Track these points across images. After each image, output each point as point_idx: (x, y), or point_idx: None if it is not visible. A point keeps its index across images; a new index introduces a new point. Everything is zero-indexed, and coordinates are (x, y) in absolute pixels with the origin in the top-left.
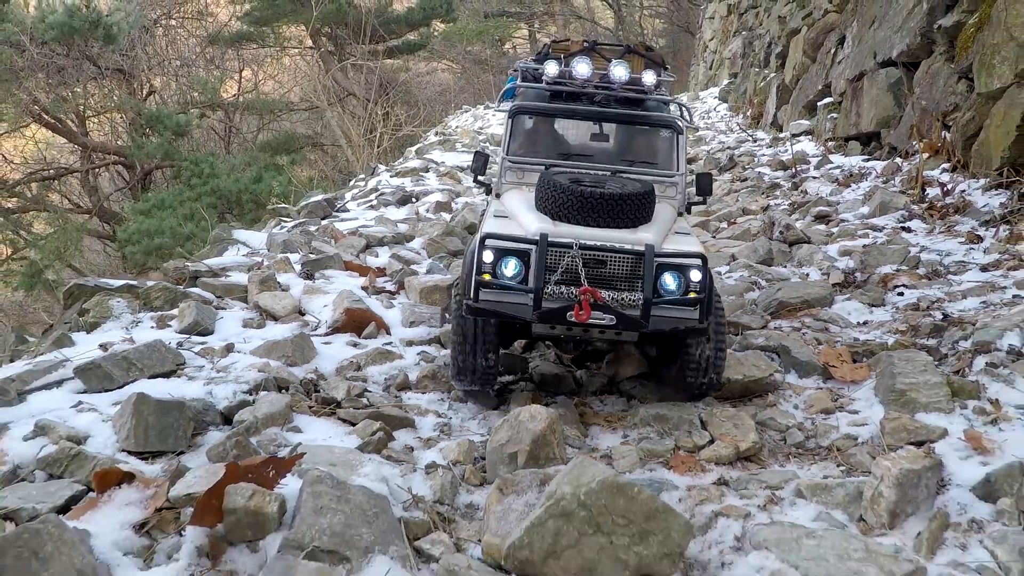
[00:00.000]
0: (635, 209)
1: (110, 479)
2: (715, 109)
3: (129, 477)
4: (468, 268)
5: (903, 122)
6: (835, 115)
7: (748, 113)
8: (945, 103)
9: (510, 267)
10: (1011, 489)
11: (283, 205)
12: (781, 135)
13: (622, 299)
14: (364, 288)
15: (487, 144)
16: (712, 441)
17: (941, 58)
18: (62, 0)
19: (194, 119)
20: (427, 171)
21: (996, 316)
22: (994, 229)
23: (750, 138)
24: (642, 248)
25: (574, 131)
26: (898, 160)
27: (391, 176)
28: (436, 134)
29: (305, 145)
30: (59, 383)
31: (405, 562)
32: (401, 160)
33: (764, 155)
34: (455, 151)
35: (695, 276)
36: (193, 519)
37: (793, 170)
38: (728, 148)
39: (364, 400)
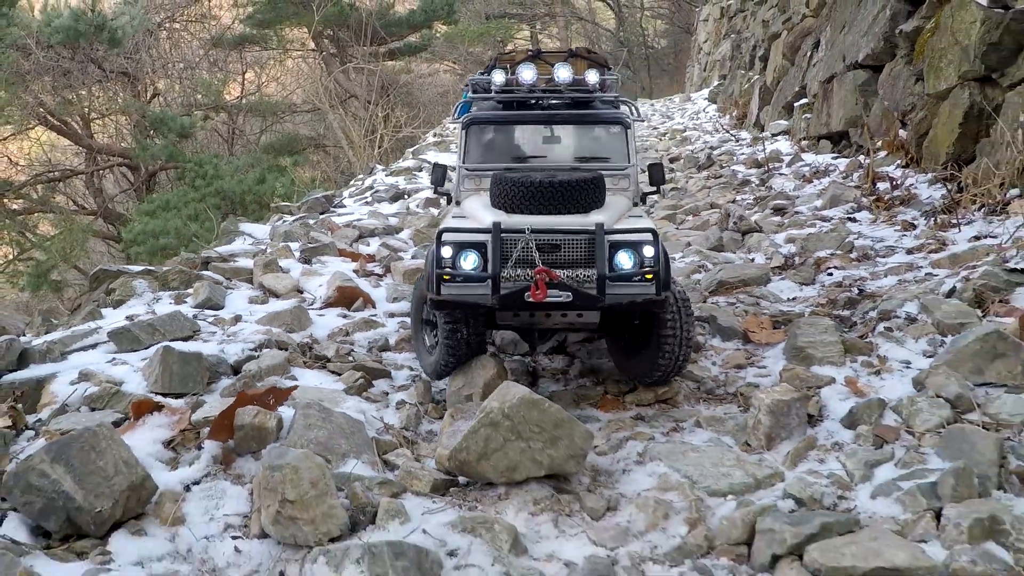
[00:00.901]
0: (585, 195)
1: (144, 408)
2: (704, 110)
3: (159, 407)
4: (429, 265)
5: (870, 122)
6: (809, 115)
7: (734, 114)
8: (904, 103)
9: (469, 260)
10: (869, 419)
11: (285, 203)
12: (762, 135)
13: (578, 276)
14: (355, 271)
15: None
16: (635, 388)
17: (902, 61)
18: (68, 4)
19: (198, 121)
20: (420, 170)
21: (904, 290)
22: (931, 218)
23: (733, 138)
24: (592, 227)
25: (527, 136)
26: (860, 157)
27: (386, 175)
28: (435, 135)
29: (307, 147)
30: (94, 346)
31: (374, 466)
32: (400, 160)
33: (743, 154)
34: (449, 151)
35: (648, 251)
36: (210, 435)
37: (766, 168)
38: (710, 147)
39: (350, 358)
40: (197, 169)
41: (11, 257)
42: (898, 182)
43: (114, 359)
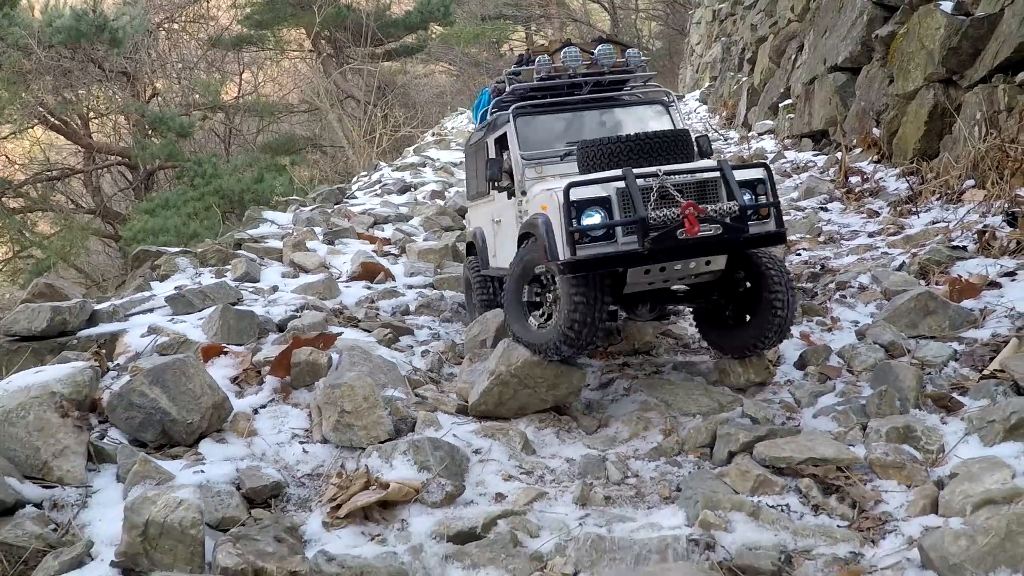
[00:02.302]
0: (680, 146)
1: (212, 352)
2: (695, 111)
3: (224, 351)
4: (546, 230)
5: (847, 121)
6: (792, 115)
7: (723, 114)
8: (878, 103)
9: (594, 218)
10: (817, 361)
11: (294, 198)
12: (748, 134)
13: (719, 210)
14: (374, 251)
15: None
16: (622, 341)
17: (877, 64)
18: (68, 4)
19: (197, 121)
20: (424, 166)
21: (860, 266)
22: (894, 207)
23: (721, 137)
24: (715, 167)
25: (575, 122)
26: (837, 154)
27: (392, 171)
28: (433, 135)
29: (305, 146)
30: (151, 310)
31: (408, 395)
32: (401, 158)
33: (730, 152)
34: (450, 149)
35: (761, 188)
36: (271, 371)
37: None
38: None
39: (378, 320)
40: (196, 168)
41: (11, 255)
42: (868, 176)
43: (172, 319)
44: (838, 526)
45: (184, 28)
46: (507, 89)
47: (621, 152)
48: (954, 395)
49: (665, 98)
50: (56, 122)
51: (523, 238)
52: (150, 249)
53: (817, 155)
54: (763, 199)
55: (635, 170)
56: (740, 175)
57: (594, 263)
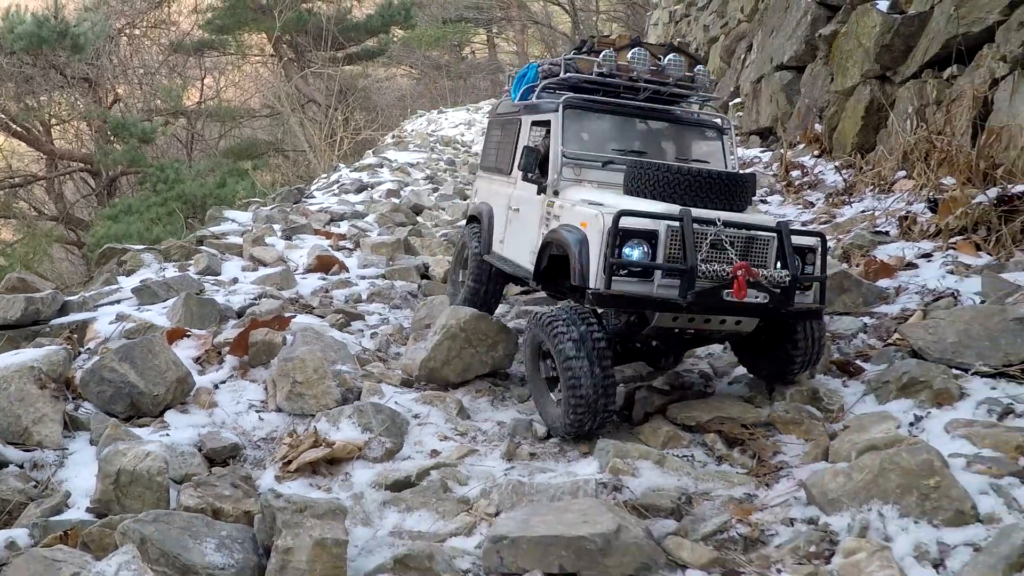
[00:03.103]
0: (742, 192)
1: (176, 335)
2: None
3: (187, 334)
4: (582, 252)
5: (792, 118)
6: (741, 113)
7: None
8: (821, 100)
9: (634, 251)
10: None
11: (255, 199)
12: None
13: (769, 277)
14: (330, 246)
15: (436, 144)
16: None
17: (820, 62)
18: (30, 11)
19: (159, 126)
20: (381, 167)
21: None
22: (829, 198)
23: None
24: (774, 226)
25: (625, 128)
26: (782, 150)
27: (350, 171)
28: (393, 137)
29: (267, 151)
30: (118, 301)
31: (355, 369)
32: (363, 159)
33: None
34: (407, 151)
35: (811, 258)
36: (230, 351)
37: None
38: None
39: (331, 307)
40: (159, 174)
41: None
42: (808, 169)
43: (139, 308)
44: (737, 473)
45: (145, 33)
46: (561, 75)
47: (676, 184)
48: (857, 361)
49: (720, 123)
50: (18, 129)
51: (545, 247)
52: (116, 247)
53: (764, 151)
54: (810, 269)
55: (693, 212)
56: (795, 241)
57: (627, 302)
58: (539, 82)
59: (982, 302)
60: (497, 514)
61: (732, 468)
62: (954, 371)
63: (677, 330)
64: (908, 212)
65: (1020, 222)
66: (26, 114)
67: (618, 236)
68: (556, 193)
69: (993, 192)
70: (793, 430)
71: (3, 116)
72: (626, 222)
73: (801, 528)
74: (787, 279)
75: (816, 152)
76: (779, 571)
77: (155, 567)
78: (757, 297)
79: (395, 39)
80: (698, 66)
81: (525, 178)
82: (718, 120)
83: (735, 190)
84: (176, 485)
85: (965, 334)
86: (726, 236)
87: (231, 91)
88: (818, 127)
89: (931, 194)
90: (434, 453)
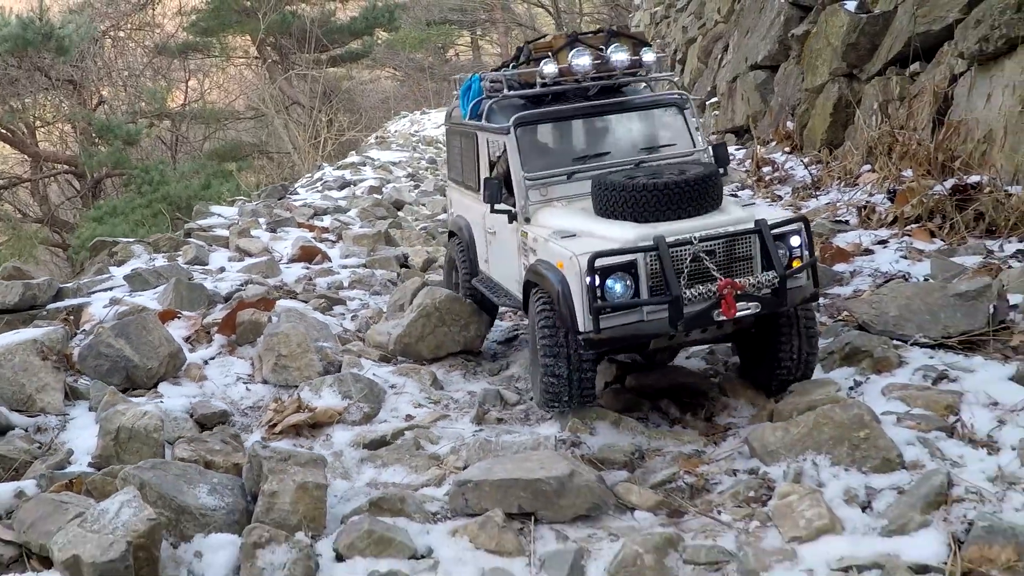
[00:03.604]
0: (712, 191)
1: (167, 316)
2: None
3: (178, 315)
4: (561, 292)
5: (766, 116)
6: (717, 112)
7: None
8: (793, 99)
9: (616, 287)
10: None
11: (240, 197)
12: None
13: (757, 282)
14: (313, 238)
15: (419, 144)
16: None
17: (793, 62)
18: (14, 13)
19: (144, 128)
20: (364, 165)
21: None
22: (797, 192)
23: None
24: (752, 225)
25: (583, 131)
26: (757, 147)
27: (333, 169)
28: (376, 138)
29: (251, 153)
30: (110, 288)
31: (335, 346)
32: (346, 158)
33: None
34: (390, 150)
35: (795, 241)
36: (219, 330)
37: None
38: None
39: (314, 292)
40: (144, 175)
41: None
42: (779, 165)
43: (131, 294)
44: (688, 433)
45: (130, 36)
46: (503, 91)
47: (644, 201)
48: None
49: (681, 100)
50: (3, 131)
51: (528, 283)
52: (107, 239)
53: (739, 149)
54: (796, 252)
55: (668, 234)
56: (779, 231)
57: (620, 340)
58: (484, 97)
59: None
60: (465, 467)
61: (684, 429)
62: (895, 342)
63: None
64: (867, 202)
65: (973, 210)
66: (11, 116)
67: (596, 277)
68: (528, 220)
69: (949, 182)
70: (742, 395)
71: None
72: (602, 262)
73: (743, 477)
74: (775, 280)
75: (787, 149)
76: (720, 512)
77: (154, 508)
78: (748, 308)
79: (379, 41)
80: (643, 47)
81: (493, 210)
82: (675, 96)
83: (706, 190)
84: (170, 446)
85: (906, 308)
86: (705, 250)
87: (215, 93)
88: (790, 124)
89: (891, 185)
90: (408, 418)
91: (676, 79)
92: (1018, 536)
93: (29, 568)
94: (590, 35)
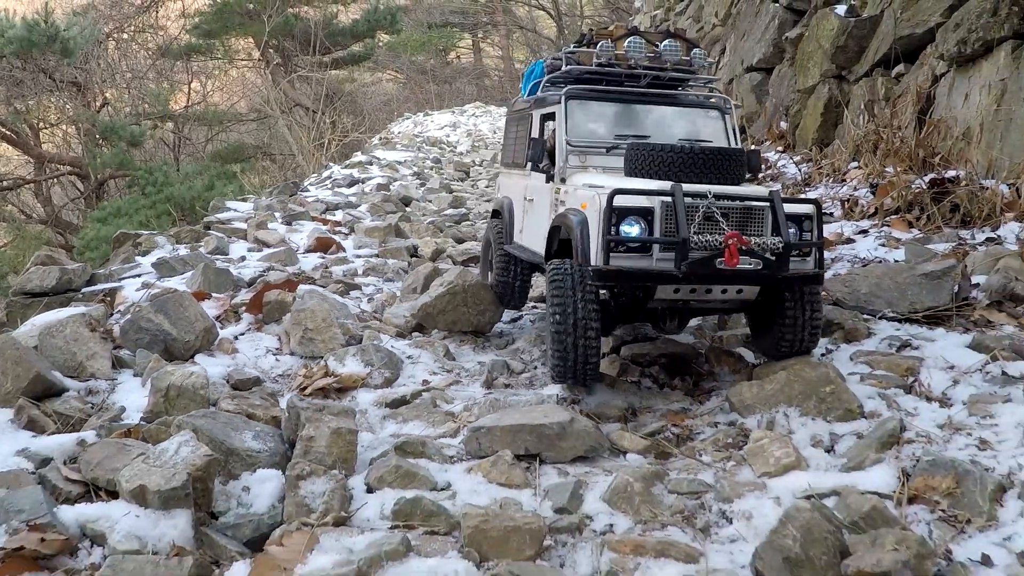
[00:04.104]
0: (735, 166)
1: (199, 297)
2: None
3: (208, 296)
4: (583, 232)
5: (761, 117)
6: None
7: None
8: (787, 100)
9: (632, 228)
10: None
11: (250, 195)
12: None
13: (762, 244)
14: (327, 230)
15: (423, 144)
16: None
17: (787, 64)
18: (19, 15)
19: (147, 130)
20: (371, 164)
21: None
22: (788, 188)
23: None
24: (767, 197)
25: (628, 114)
26: (751, 147)
27: (341, 168)
28: (380, 139)
29: (255, 154)
30: (139, 275)
31: (355, 323)
32: (353, 157)
33: None
34: (395, 150)
35: (808, 225)
36: (247, 309)
37: None
38: None
39: (331, 279)
40: (148, 177)
41: None
42: (772, 164)
43: (159, 279)
44: (677, 394)
45: (133, 38)
46: (563, 67)
47: (671, 162)
48: None
49: (723, 104)
50: (7, 133)
51: (554, 231)
52: (129, 232)
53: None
54: (808, 236)
55: (685, 186)
56: (788, 208)
57: (625, 276)
58: (545, 77)
59: None
60: (476, 420)
61: (673, 391)
62: (865, 316)
63: (681, 303)
64: (851, 196)
65: (949, 202)
66: (16, 118)
67: (613, 214)
68: (563, 180)
69: (928, 177)
70: (725, 362)
71: None
72: (620, 200)
73: (723, 428)
74: (780, 245)
75: (780, 148)
76: (701, 455)
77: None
78: (750, 264)
79: (381, 44)
80: (694, 49)
81: (534, 168)
82: (719, 100)
83: (729, 164)
84: (211, 405)
85: (877, 287)
86: (718, 208)
87: (217, 95)
88: (783, 125)
89: (873, 180)
90: (425, 383)
91: (721, 83)
92: (957, 468)
93: (97, 500)
94: (650, 32)
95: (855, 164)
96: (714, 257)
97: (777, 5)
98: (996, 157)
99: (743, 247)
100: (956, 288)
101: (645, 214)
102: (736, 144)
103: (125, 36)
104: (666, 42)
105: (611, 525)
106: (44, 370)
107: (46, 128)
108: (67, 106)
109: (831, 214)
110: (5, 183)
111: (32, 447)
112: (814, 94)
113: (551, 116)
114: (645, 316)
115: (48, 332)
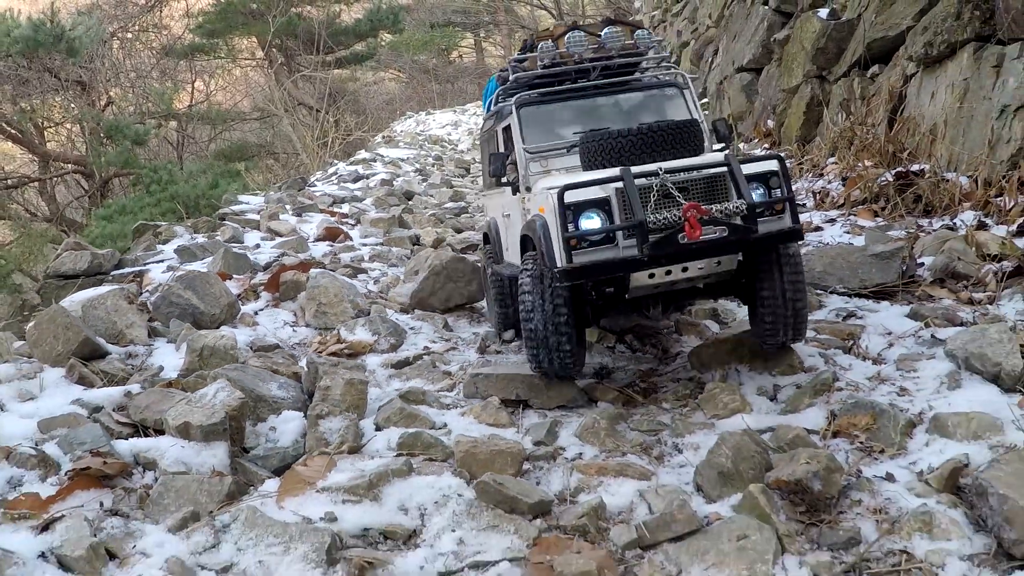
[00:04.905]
0: (689, 138)
1: (223, 276)
2: None
3: (230, 277)
4: (543, 235)
5: (749, 115)
6: (706, 112)
7: None
8: (774, 99)
9: (592, 221)
10: None
11: (257, 191)
12: None
13: (725, 209)
14: (335, 221)
15: (425, 142)
16: None
17: (775, 64)
18: (26, 15)
19: (152, 129)
20: (375, 161)
21: None
22: None
23: None
24: (722, 161)
25: (583, 110)
26: (741, 144)
27: (347, 165)
28: (383, 137)
29: (257, 153)
30: (162, 260)
31: (363, 301)
32: (358, 154)
33: None
34: (398, 148)
35: (774, 182)
36: (265, 288)
37: None
38: None
39: (340, 264)
40: (152, 175)
41: None
42: None
43: (182, 264)
44: (646, 357)
45: (137, 37)
46: (510, 78)
47: (624, 147)
48: None
49: (680, 80)
50: (13, 131)
51: (524, 240)
52: (148, 223)
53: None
54: (777, 193)
55: (634, 168)
56: (750, 168)
57: (593, 270)
58: (499, 91)
59: None
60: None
61: (643, 355)
62: (818, 291)
63: (663, 288)
64: (823, 188)
65: (912, 193)
66: (21, 116)
67: (569, 211)
68: (528, 189)
69: (895, 170)
70: (690, 331)
71: None
72: (573, 196)
73: (683, 382)
74: (743, 207)
75: (767, 145)
76: (662, 404)
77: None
78: (716, 232)
79: (383, 43)
80: (637, 31)
81: (497, 183)
82: (674, 76)
83: (683, 138)
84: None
85: (831, 265)
86: (671, 183)
87: (220, 94)
88: (770, 123)
89: (846, 173)
90: (426, 349)
91: (674, 59)
92: (875, 408)
93: (145, 436)
94: (590, 24)
95: (832, 159)
96: (676, 233)
97: (766, 8)
98: (958, 152)
99: (703, 217)
100: (904, 267)
101: (602, 204)
102: (699, 117)
103: (129, 35)
104: (605, 31)
105: (580, 454)
106: (91, 335)
107: (51, 127)
108: (72, 105)
109: (804, 205)
110: (10, 181)
111: (84, 397)
112: (797, 94)
113: (509, 129)
114: (629, 305)
115: (91, 304)
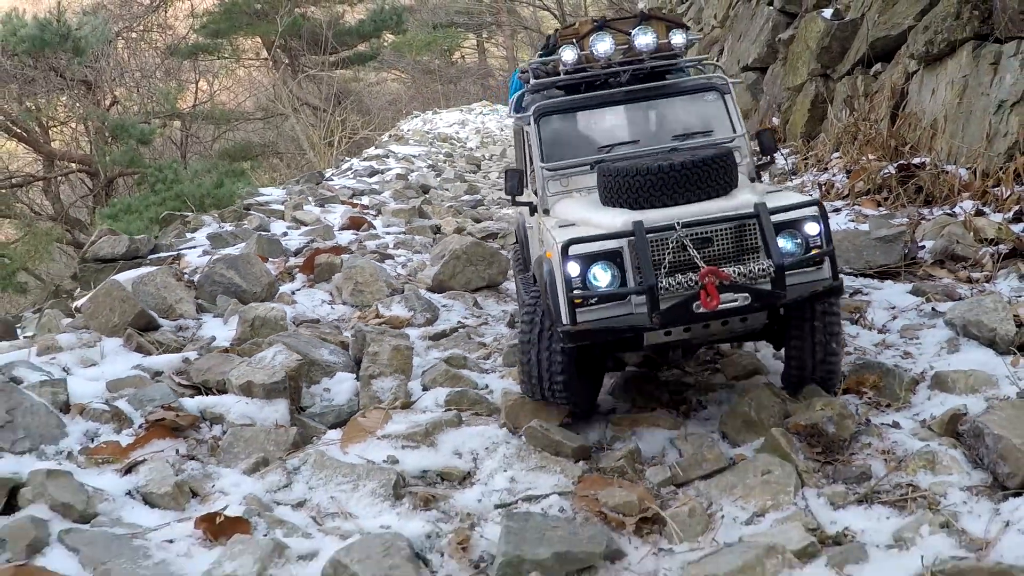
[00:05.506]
0: (719, 175)
1: (260, 259)
2: None
3: (267, 260)
4: (548, 282)
5: (755, 114)
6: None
7: None
8: (779, 97)
9: (602, 276)
10: None
11: (270, 188)
12: None
13: (749, 271)
14: (358, 211)
15: (434, 140)
16: None
17: (780, 63)
18: (30, 13)
19: (157, 128)
20: (388, 157)
21: None
22: (776, 177)
23: None
24: (751, 210)
25: (612, 119)
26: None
27: (360, 161)
28: (390, 136)
29: (262, 152)
30: (194, 247)
31: (396, 281)
32: (370, 150)
33: None
34: (408, 145)
35: (812, 229)
36: (300, 270)
37: None
38: None
39: (367, 250)
40: (157, 174)
41: None
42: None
43: (214, 249)
44: None
45: (142, 37)
46: (531, 82)
47: (642, 186)
48: None
49: (720, 84)
50: (18, 130)
51: (534, 277)
52: (175, 213)
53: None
54: (814, 241)
55: (649, 218)
56: (782, 217)
57: (599, 333)
58: (524, 89)
59: None
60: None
61: None
62: None
63: (680, 342)
64: (829, 180)
65: (913, 184)
66: (27, 115)
67: (577, 264)
68: (547, 212)
69: (897, 163)
70: None
71: (3, 118)
72: (576, 250)
73: (704, 350)
74: (770, 269)
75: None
76: (686, 368)
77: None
78: (735, 300)
79: (386, 44)
80: (672, 29)
81: (513, 203)
82: (713, 80)
83: (712, 174)
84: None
85: (837, 248)
86: (688, 239)
87: (224, 94)
88: (775, 120)
89: (850, 167)
90: (460, 323)
91: (715, 61)
92: (882, 367)
93: (207, 395)
94: (621, 19)
95: (837, 154)
96: (690, 300)
97: (771, 8)
98: (957, 145)
99: (724, 282)
100: (906, 250)
101: (614, 256)
102: (740, 128)
103: (134, 35)
104: (636, 29)
105: (613, 409)
106: (145, 307)
107: (56, 126)
108: (77, 104)
109: (810, 195)
110: (15, 180)
111: (145, 363)
112: (802, 91)
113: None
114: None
115: (141, 281)
